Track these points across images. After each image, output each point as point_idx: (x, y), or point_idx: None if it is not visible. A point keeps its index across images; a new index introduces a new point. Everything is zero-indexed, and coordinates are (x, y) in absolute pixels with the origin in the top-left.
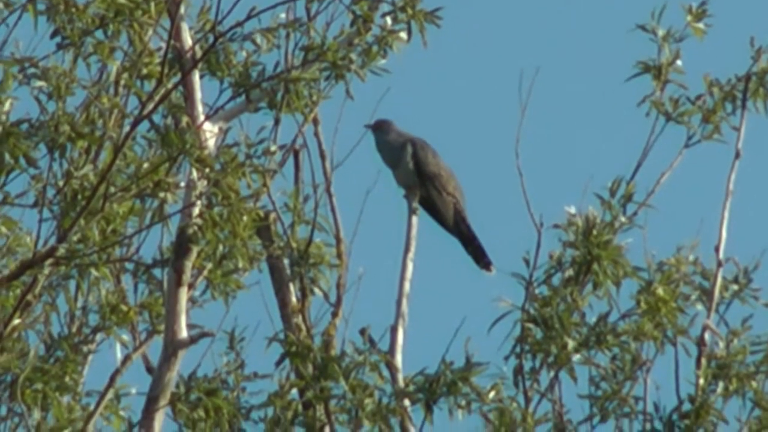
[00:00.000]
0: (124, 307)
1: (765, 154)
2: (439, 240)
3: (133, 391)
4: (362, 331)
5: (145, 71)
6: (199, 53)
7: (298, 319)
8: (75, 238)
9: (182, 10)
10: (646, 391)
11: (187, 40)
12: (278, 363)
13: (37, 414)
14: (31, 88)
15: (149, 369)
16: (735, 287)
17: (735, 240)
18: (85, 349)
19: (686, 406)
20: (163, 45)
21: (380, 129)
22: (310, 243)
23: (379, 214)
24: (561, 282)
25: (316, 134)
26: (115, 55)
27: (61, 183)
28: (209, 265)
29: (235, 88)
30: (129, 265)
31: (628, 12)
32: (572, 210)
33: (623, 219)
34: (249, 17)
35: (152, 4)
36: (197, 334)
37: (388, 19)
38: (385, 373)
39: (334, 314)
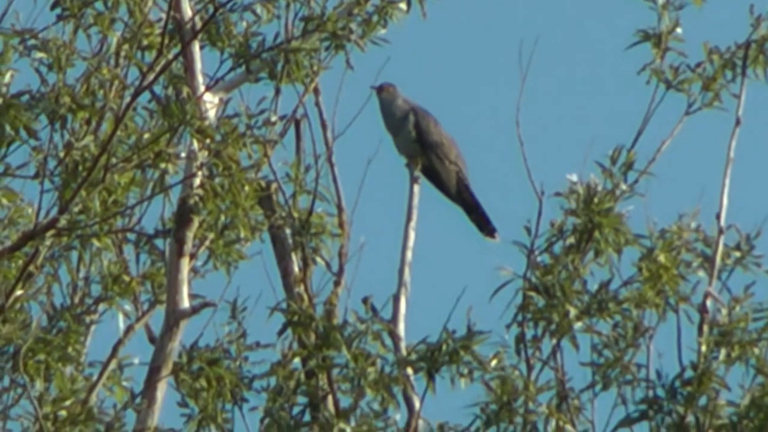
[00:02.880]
0: (126, 278)
1: (765, 121)
2: (441, 209)
3: (136, 361)
4: (364, 300)
5: (145, 42)
6: (199, 24)
7: (300, 289)
8: (76, 209)
9: None
10: (649, 359)
11: (187, 11)
12: (280, 332)
13: (39, 385)
14: (32, 60)
15: (151, 339)
16: (737, 254)
17: (736, 207)
18: (87, 319)
19: (688, 374)
20: (163, 16)
21: (385, 92)
22: (311, 213)
23: (381, 183)
24: (562, 250)
25: (316, 104)
26: (115, 26)
27: (62, 154)
28: (211, 236)
29: (236, 58)
30: (131, 236)
31: None
32: (573, 178)
33: (624, 187)
34: None
35: None
36: (199, 304)
37: None
38: (388, 342)
39: (336, 283)
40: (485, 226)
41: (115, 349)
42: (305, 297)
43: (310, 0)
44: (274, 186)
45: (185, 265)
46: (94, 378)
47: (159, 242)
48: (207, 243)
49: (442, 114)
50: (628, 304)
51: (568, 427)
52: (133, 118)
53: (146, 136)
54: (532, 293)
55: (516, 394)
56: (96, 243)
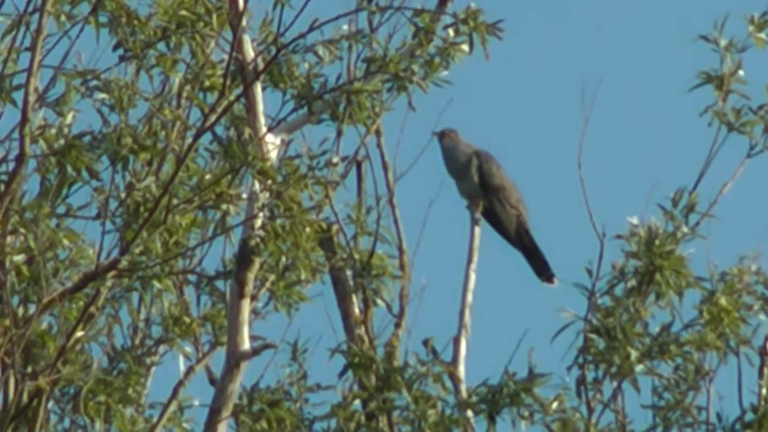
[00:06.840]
0: (186, 319)
1: None
2: (501, 250)
3: (196, 402)
4: (425, 342)
5: (207, 83)
6: (261, 65)
7: (361, 331)
8: (137, 251)
9: (244, 22)
10: (709, 401)
11: (249, 51)
12: (341, 374)
13: (100, 426)
14: (94, 101)
15: (212, 381)
16: None
17: None
18: (148, 361)
19: (749, 416)
20: (226, 57)
21: (447, 138)
22: (372, 254)
23: (442, 225)
24: (624, 292)
25: (378, 145)
26: (177, 67)
27: (123, 195)
28: (272, 277)
29: (298, 99)
30: (192, 277)
31: (690, 23)
32: (635, 220)
33: (686, 229)
34: (311, 29)
35: (214, 17)
36: (260, 345)
37: (450, 31)
38: (448, 384)
39: (397, 325)
40: (544, 272)
41: (175, 391)
42: (366, 339)
43: (373, 41)
44: (335, 227)
45: (246, 306)
46: (155, 419)
47: (220, 283)
48: (268, 284)
49: (503, 155)
50: (690, 346)
51: None
52: (194, 159)
53: (208, 177)
54: (594, 335)
55: None
56: (157, 284)
